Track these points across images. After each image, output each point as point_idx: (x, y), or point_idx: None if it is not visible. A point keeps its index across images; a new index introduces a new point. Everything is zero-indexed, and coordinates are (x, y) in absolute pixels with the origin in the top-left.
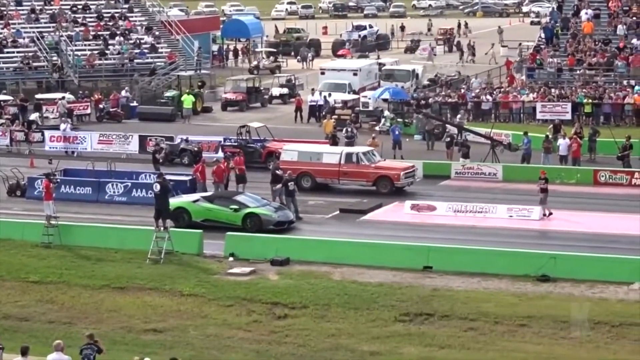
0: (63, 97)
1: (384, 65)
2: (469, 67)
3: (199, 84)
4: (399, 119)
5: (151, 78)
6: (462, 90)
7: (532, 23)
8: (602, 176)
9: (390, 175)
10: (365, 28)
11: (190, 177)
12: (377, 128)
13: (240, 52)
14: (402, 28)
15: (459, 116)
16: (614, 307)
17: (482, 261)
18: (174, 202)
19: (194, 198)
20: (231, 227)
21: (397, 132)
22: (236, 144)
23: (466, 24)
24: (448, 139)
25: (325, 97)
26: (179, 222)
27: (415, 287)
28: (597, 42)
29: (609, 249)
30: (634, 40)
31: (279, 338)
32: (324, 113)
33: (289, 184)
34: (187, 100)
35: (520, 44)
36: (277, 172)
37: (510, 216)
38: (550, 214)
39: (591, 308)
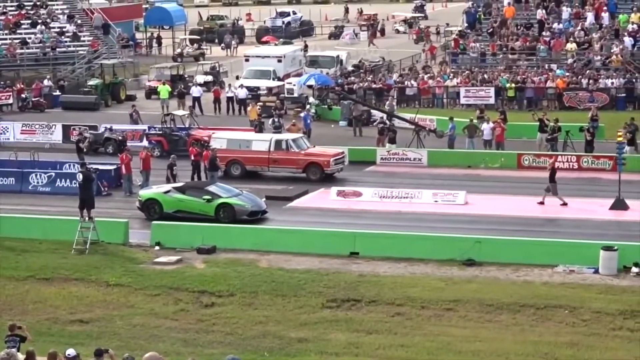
0: None
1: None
2: (394, 52)
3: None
4: (308, 107)
5: (73, 67)
6: (383, 77)
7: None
8: (526, 160)
9: (319, 162)
10: (289, 14)
11: (115, 167)
12: (301, 115)
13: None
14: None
15: (388, 102)
16: (539, 289)
17: (408, 246)
18: (145, 193)
19: (166, 189)
20: (204, 218)
21: (308, 121)
22: (161, 132)
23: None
24: (381, 125)
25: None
26: (150, 214)
27: (342, 273)
28: (519, 27)
29: (533, 232)
30: (555, 25)
31: (206, 326)
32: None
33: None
34: (164, 91)
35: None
36: (215, 160)
37: (436, 201)
38: (542, 203)
39: (516, 291)
